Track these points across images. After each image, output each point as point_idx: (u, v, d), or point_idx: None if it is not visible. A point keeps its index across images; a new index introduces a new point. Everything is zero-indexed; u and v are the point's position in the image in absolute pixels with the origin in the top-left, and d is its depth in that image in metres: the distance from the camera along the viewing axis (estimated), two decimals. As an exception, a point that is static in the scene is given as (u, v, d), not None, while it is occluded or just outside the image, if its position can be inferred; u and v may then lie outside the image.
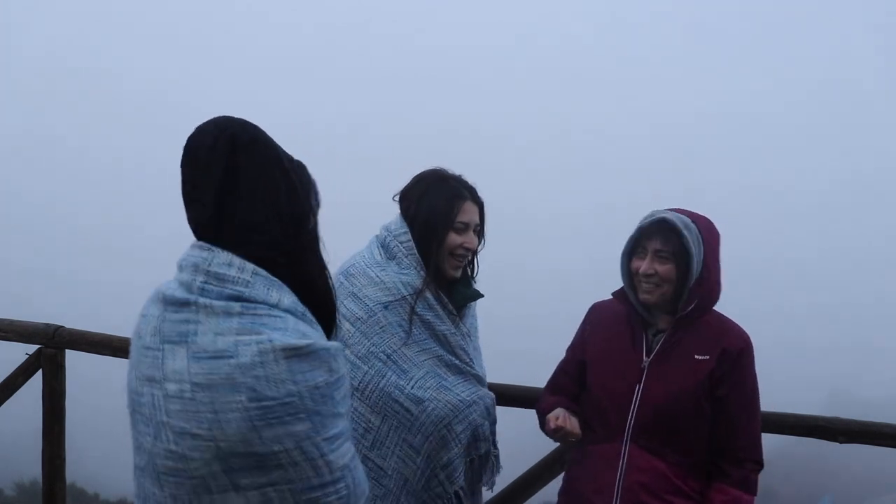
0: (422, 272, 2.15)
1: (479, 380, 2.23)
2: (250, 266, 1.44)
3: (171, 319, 1.43)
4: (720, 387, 2.04)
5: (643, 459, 2.03)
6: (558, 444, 2.61)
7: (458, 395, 2.13)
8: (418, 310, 2.12)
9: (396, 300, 2.11)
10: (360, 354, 2.07)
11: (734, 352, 2.08)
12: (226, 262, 1.43)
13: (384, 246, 2.21)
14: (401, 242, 2.18)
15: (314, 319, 1.52)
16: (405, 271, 2.15)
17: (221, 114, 1.52)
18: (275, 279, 1.46)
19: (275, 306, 1.44)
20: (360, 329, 2.08)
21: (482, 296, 2.31)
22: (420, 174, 2.26)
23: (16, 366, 3.36)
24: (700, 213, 2.18)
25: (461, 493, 2.15)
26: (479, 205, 2.24)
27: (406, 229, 2.18)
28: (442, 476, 2.11)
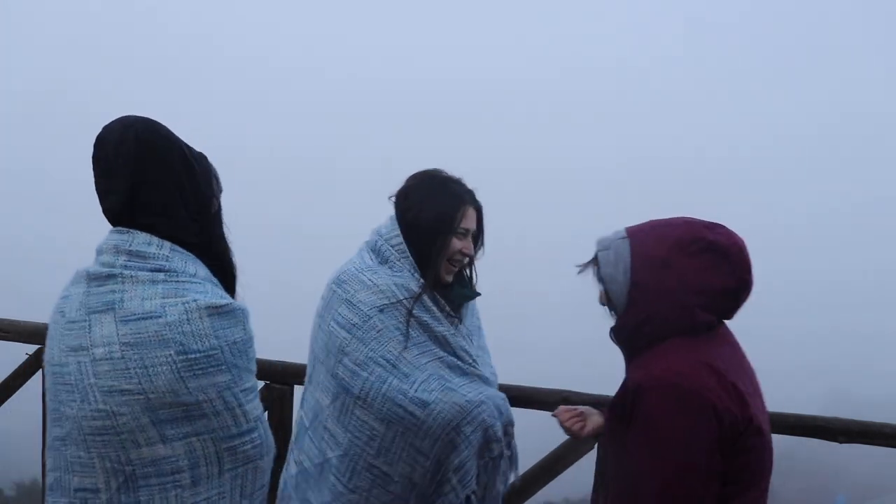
0: (415, 275, 2.11)
1: (485, 380, 2.18)
2: (167, 244, 1.61)
3: (96, 292, 1.57)
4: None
5: None
6: (559, 444, 2.62)
7: (464, 395, 2.06)
8: (415, 312, 2.08)
9: (392, 303, 2.07)
10: (358, 361, 2.02)
11: (629, 393, 1.62)
12: (145, 241, 1.60)
13: (375, 250, 2.17)
14: (392, 246, 2.14)
15: (224, 289, 1.72)
16: (398, 274, 2.11)
17: (183, 133, 1.71)
18: (190, 254, 1.64)
19: (193, 276, 1.62)
20: (357, 335, 2.03)
21: (479, 294, 2.28)
22: (419, 175, 2.20)
23: (16, 366, 3.36)
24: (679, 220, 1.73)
25: (473, 497, 2.10)
26: (479, 209, 2.21)
27: (398, 232, 2.14)
28: (454, 480, 2.05)
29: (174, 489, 1.52)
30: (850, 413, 2.81)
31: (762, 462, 1.61)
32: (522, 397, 2.67)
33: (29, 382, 3.37)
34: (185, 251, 1.63)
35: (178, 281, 1.58)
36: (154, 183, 1.61)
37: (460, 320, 2.20)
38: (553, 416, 2.07)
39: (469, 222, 2.16)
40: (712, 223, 1.71)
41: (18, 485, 16.48)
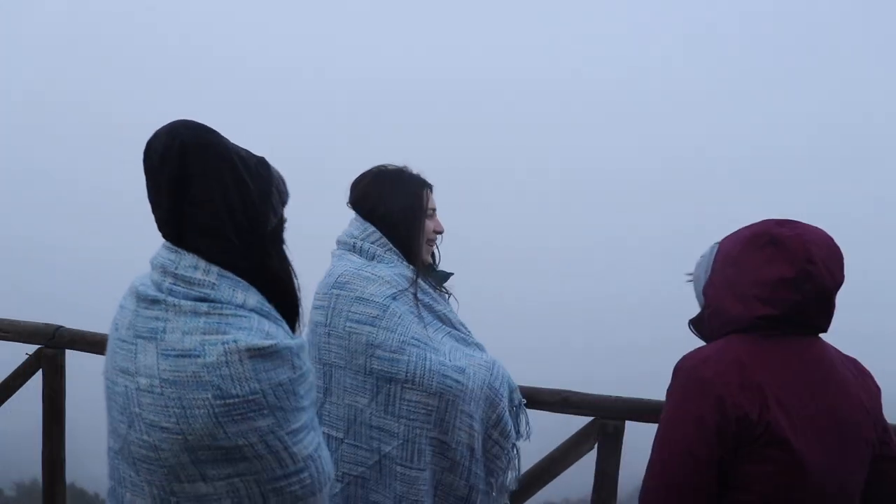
0: (404, 262, 2.22)
1: (481, 347, 2.32)
2: (215, 269, 1.50)
3: (143, 315, 1.50)
4: None
5: None
6: (559, 444, 2.61)
7: (481, 358, 2.22)
8: (419, 296, 2.19)
9: (400, 291, 2.15)
10: (393, 349, 2.07)
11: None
12: (192, 265, 1.49)
13: (358, 250, 2.22)
14: (373, 242, 2.21)
15: (279, 317, 1.58)
16: (391, 265, 2.20)
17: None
18: (240, 280, 1.52)
19: (240, 307, 1.50)
20: (382, 326, 2.08)
21: (453, 273, 2.41)
22: (369, 175, 2.28)
23: (16, 366, 3.36)
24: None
25: (516, 449, 2.25)
26: (432, 189, 2.33)
27: (373, 229, 2.22)
28: (496, 435, 2.20)
29: None
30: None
31: (789, 485, 1.53)
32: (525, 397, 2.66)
33: (29, 382, 3.37)
34: (233, 276, 1.51)
35: (221, 314, 1.47)
36: (200, 200, 1.49)
37: (449, 296, 2.35)
38: None
39: (432, 202, 2.29)
40: (787, 220, 1.70)
41: (18, 485, 16.48)
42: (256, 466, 1.45)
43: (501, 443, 2.20)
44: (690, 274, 1.91)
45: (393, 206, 2.21)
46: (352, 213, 2.30)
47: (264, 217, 1.57)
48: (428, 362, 2.07)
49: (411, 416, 2.06)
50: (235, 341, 1.44)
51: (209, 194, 1.49)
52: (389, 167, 2.29)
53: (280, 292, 1.60)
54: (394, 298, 2.12)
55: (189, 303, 1.47)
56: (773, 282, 1.62)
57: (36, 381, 3.34)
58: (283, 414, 1.47)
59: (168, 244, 1.53)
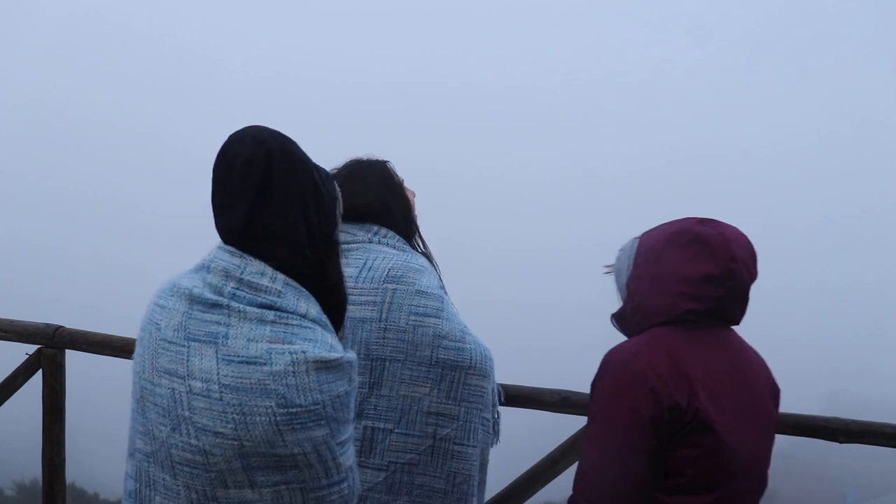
0: (414, 251, 2.29)
1: None
2: (281, 276, 1.51)
3: (200, 318, 1.49)
4: None
5: None
6: (559, 444, 2.61)
7: None
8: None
9: (438, 278, 2.24)
10: (457, 338, 2.17)
11: (599, 366, 1.79)
12: (258, 271, 1.50)
13: (378, 243, 2.24)
14: (384, 236, 2.24)
15: (332, 327, 1.61)
16: (413, 252, 2.26)
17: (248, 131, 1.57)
18: (304, 290, 1.54)
19: (304, 317, 1.52)
20: (444, 316, 2.16)
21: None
22: (350, 177, 2.25)
23: (16, 366, 3.36)
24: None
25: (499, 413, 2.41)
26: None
27: (377, 227, 2.25)
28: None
29: None
30: (850, 413, 2.81)
31: (714, 466, 1.66)
32: (522, 397, 2.67)
33: (29, 382, 3.37)
34: (298, 286, 1.53)
35: (287, 324, 1.48)
36: (279, 209, 1.52)
37: None
38: None
39: (398, 176, 2.34)
40: (707, 219, 1.80)
41: (18, 485, 16.48)
42: (305, 475, 1.47)
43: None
44: (610, 266, 1.95)
45: (384, 198, 2.26)
46: None
47: (332, 228, 1.62)
48: (481, 347, 2.20)
49: (471, 399, 2.17)
50: (304, 352, 1.46)
51: (290, 203, 1.52)
52: (360, 163, 2.31)
53: (335, 302, 1.63)
54: (441, 288, 2.21)
55: (255, 309, 1.48)
56: (698, 278, 1.71)
57: (36, 381, 3.34)
58: (336, 425, 1.51)
59: (230, 248, 1.53)
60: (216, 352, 1.45)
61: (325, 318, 1.58)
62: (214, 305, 1.49)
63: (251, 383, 1.43)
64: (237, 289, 1.49)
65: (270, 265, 1.51)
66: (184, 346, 1.48)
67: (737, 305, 1.78)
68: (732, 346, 1.81)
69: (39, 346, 3.30)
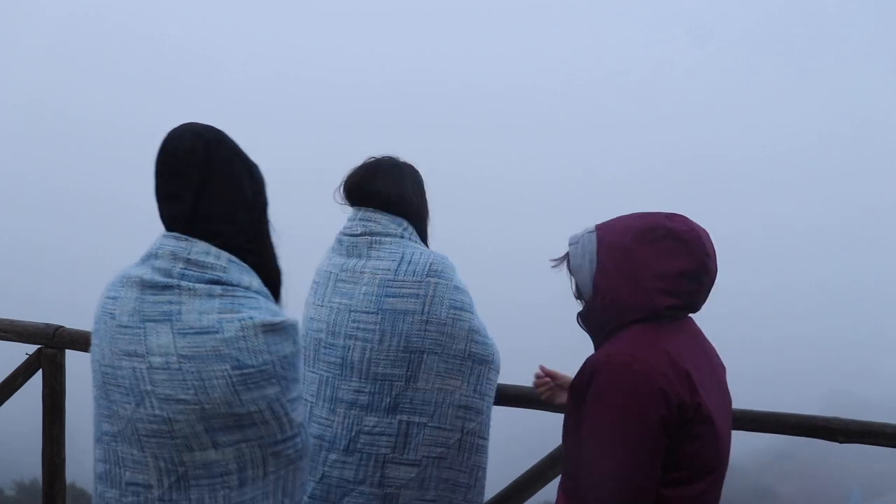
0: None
1: None
2: (225, 254, 1.65)
3: (153, 301, 1.61)
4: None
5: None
6: (559, 444, 2.60)
7: None
8: None
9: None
10: (484, 333, 2.25)
11: (585, 373, 1.70)
12: (204, 250, 1.64)
13: (408, 239, 2.26)
14: (411, 234, 2.27)
15: (273, 297, 1.76)
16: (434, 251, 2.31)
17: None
18: (245, 265, 1.68)
19: (248, 289, 1.66)
20: (474, 312, 2.25)
21: None
22: (377, 169, 2.28)
23: (16, 366, 3.36)
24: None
25: None
26: None
27: (406, 223, 2.26)
28: None
29: (222, 489, 1.61)
30: (850, 413, 2.81)
31: (711, 453, 1.68)
32: (522, 397, 2.66)
33: (29, 382, 3.37)
34: (240, 262, 1.67)
35: (233, 296, 1.62)
36: (220, 193, 1.68)
37: None
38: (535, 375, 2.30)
39: None
40: (672, 213, 1.79)
41: (19, 484, 16.48)
42: (262, 431, 1.62)
43: None
44: (557, 260, 1.89)
45: (414, 196, 2.29)
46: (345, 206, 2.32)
47: (264, 208, 1.78)
48: (496, 345, 2.28)
49: (489, 394, 2.26)
50: (251, 318, 1.60)
51: (229, 187, 1.68)
52: (385, 158, 2.32)
53: (273, 274, 1.77)
54: (466, 285, 2.27)
55: (203, 286, 1.61)
56: (675, 274, 1.71)
57: (36, 381, 3.34)
58: (286, 384, 1.65)
59: (174, 234, 1.66)
60: (171, 328, 1.58)
61: (266, 289, 1.72)
62: (166, 287, 1.61)
63: (206, 351, 1.56)
64: (185, 269, 1.62)
65: (214, 244, 1.65)
66: (140, 327, 1.60)
67: (704, 297, 1.80)
68: (696, 332, 1.84)
69: (39, 346, 3.30)
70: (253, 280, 1.68)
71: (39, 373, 3.31)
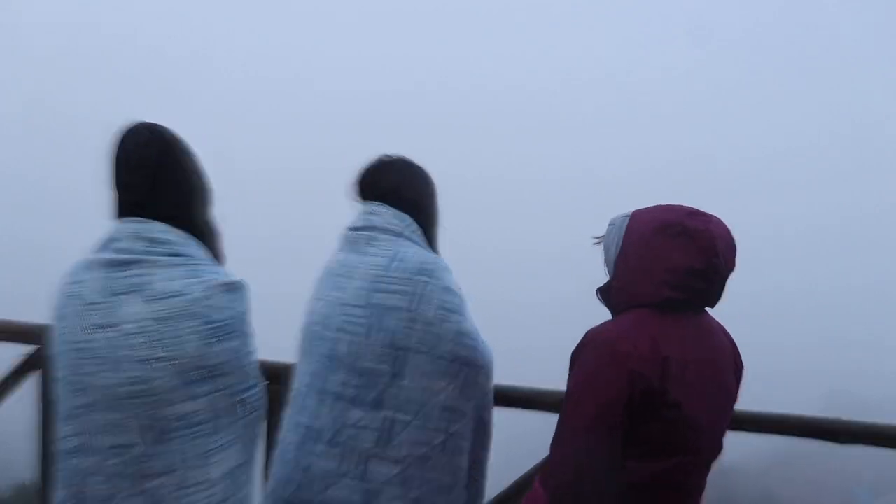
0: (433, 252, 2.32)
1: None
2: (181, 232, 1.86)
3: (119, 276, 1.77)
4: None
5: None
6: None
7: None
8: None
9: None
10: (474, 336, 2.20)
11: (580, 343, 1.86)
12: (163, 229, 1.83)
13: (407, 238, 2.23)
14: (413, 232, 2.25)
15: None
16: (436, 256, 2.29)
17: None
18: (195, 240, 1.89)
19: (203, 259, 1.87)
20: (465, 314, 2.22)
21: None
22: (389, 166, 2.30)
23: (12, 366, 3.34)
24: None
25: None
26: None
27: (410, 219, 2.25)
28: None
29: (200, 437, 1.78)
30: (850, 414, 2.80)
31: (678, 437, 1.78)
32: (521, 399, 2.66)
33: (25, 383, 3.36)
34: (192, 238, 1.88)
35: (194, 264, 1.83)
36: (174, 180, 1.88)
37: None
38: None
39: None
40: (697, 211, 1.88)
41: (15, 486, 16.46)
42: (230, 380, 1.82)
43: None
44: (599, 238, 2.02)
45: (423, 196, 2.29)
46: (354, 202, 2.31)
47: (209, 193, 1.99)
48: (488, 349, 2.25)
49: (479, 397, 2.23)
50: (214, 279, 1.82)
51: (182, 174, 1.90)
52: (398, 156, 2.33)
53: (218, 257, 1.97)
54: (459, 288, 2.25)
55: (166, 258, 1.80)
56: (683, 270, 1.81)
57: (32, 381, 3.33)
58: (245, 338, 1.88)
59: (130, 219, 1.84)
60: (141, 297, 1.75)
61: (216, 262, 1.94)
62: (132, 263, 1.78)
63: (178, 311, 1.74)
64: (149, 245, 1.80)
65: (171, 224, 1.84)
66: (110, 301, 1.75)
67: (714, 294, 1.88)
68: (705, 327, 1.92)
69: (35, 346, 3.29)
70: (206, 253, 1.90)
71: (36, 373, 3.30)
